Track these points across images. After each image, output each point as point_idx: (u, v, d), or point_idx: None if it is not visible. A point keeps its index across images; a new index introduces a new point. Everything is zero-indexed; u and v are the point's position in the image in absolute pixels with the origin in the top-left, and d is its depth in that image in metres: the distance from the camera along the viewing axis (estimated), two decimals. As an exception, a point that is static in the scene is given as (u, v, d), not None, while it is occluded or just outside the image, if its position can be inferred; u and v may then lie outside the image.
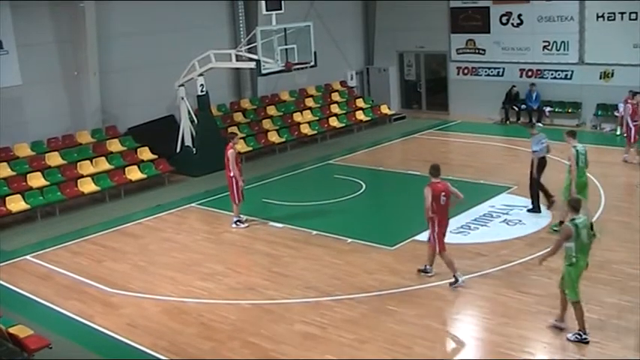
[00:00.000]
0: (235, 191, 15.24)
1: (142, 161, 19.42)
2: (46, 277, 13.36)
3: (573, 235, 9.57)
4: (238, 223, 15.45)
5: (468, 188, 15.13)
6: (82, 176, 18.13)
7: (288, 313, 11.20)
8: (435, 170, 11.64)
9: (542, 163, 14.86)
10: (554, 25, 23.51)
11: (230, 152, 15.16)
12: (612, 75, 22.56)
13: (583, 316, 9.75)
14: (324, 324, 10.70)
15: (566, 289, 9.80)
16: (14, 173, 17.45)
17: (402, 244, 13.79)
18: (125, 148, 19.69)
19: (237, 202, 15.34)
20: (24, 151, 18.32)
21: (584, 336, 9.68)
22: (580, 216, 9.68)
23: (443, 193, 11.46)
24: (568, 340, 9.73)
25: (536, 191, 14.98)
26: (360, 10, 27.85)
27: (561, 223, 12.86)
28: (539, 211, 14.93)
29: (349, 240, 13.96)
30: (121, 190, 18.44)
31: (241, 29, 22.96)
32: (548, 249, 10.28)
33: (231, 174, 15.14)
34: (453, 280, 11.66)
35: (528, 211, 15.06)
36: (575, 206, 9.75)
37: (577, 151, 13.39)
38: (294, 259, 13.47)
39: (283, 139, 22.57)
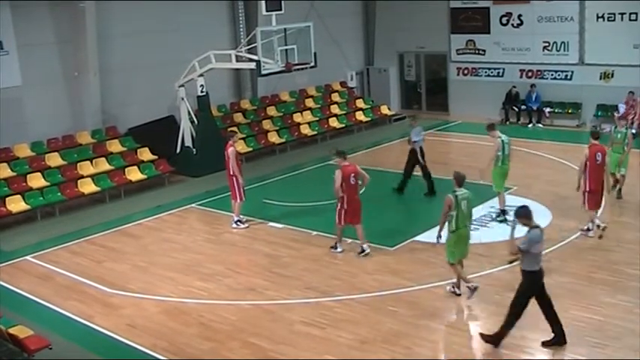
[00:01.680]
0: (237, 189, 15.24)
1: (142, 162, 19.42)
2: (46, 278, 13.36)
3: (453, 205, 10.88)
4: (239, 223, 15.45)
5: (468, 189, 15.10)
6: (82, 177, 18.14)
7: (288, 313, 11.20)
8: (342, 153, 13.24)
9: (421, 152, 16.79)
10: (554, 26, 23.52)
11: (230, 150, 15.18)
12: (612, 75, 22.56)
13: (459, 276, 11.23)
14: (324, 324, 10.71)
15: (445, 251, 11.18)
16: (14, 174, 17.45)
17: (401, 244, 13.80)
18: (125, 149, 19.69)
19: (239, 200, 15.33)
20: (24, 151, 18.33)
21: (456, 290, 11.34)
22: (461, 189, 11.07)
23: (352, 174, 12.94)
24: (446, 289, 11.35)
25: (429, 174, 16.80)
26: (360, 11, 27.87)
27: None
28: (435, 194, 16.36)
29: (349, 240, 13.95)
30: (121, 190, 18.44)
31: (241, 30, 22.98)
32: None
33: (231, 172, 15.15)
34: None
35: (425, 195, 16.65)
36: (458, 180, 11.13)
37: (502, 141, 14.35)
38: (294, 259, 13.47)
39: (283, 140, 22.57)
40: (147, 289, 12.47)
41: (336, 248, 13.61)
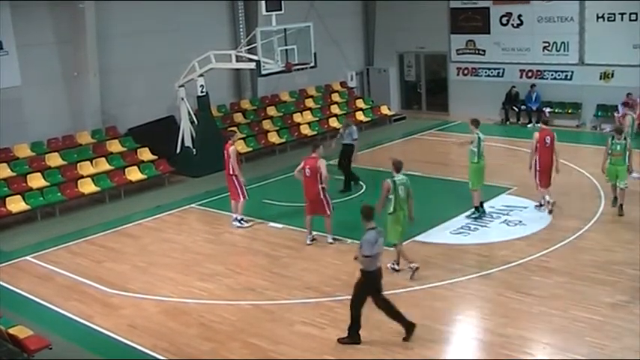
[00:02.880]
0: (239, 188, 15.25)
1: (142, 162, 19.42)
2: (45, 278, 13.35)
3: (391, 189, 11.77)
4: (242, 222, 15.46)
5: (468, 189, 15.17)
6: (82, 177, 18.13)
7: (288, 313, 11.20)
8: (314, 146, 14.06)
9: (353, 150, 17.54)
10: (554, 26, 23.52)
11: (231, 149, 15.19)
12: (612, 76, 22.56)
13: (399, 255, 12.20)
14: (324, 324, 10.70)
15: (387, 233, 11.65)
16: (14, 174, 17.45)
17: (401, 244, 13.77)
18: (125, 149, 19.69)
19: (242, 198, 15.33)
20: (24, 151, 18.32)
21: (396, 266, 12.26)
22: (399, 175, 11.98)
23: (308, 167, 13.67)
24: (387, 266, 11.86)
25: (351, 172, 17.56)
26: (360, 11, 27.86)
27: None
28: (351, 190, 17.22)
29: (349, 240, 13.95)
30: (121, 190, 18.44)
31: (241, 30, 22.97)
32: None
33: (231, 172, 15.15)
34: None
35: (340, 191, 17.00)
36: (396, 167, 12.03)
37: (479, 137, 14.65)
38: (294, 259, 13.47)
39: (283, 140, 22.57)
40: (147, 290, 12.46)
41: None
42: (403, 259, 12.26)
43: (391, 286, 11.89)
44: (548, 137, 14.87)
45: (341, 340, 10.07)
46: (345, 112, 25.10)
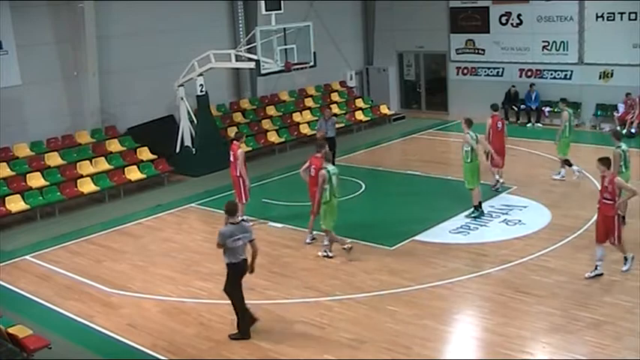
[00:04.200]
0: (242, 190, 15.25)
1: (142, 161, 19.41)
2: (45, 277, 13.35)
3: (327, 179, 12.76)
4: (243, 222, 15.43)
5: (467, 189, 15.16)
6: (82, 176, 18.12)
7: (288, 313, 11.20)
8: (318, 145, 13.91)
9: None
10: (553, 25, 23.52)
11: (239, 152, 15.12)
12: (612, 75, 22.56)
13: (332, 241, 13.19)
14: (324, 324, 10.70)
15: (321, 220, 13.01)
16: (14, 173, 17.44)
17: (401, 244, 13.79)
18: (125, 148, 19.68)
19: (244, 201, 15.34)
20: (23, 151, 18.32)
21: (329, 253, 13.18)
22: (331, 165, 13.25)
23: (313, 167, 13.69)
24: (319, 254, 13.20)
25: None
26: (359, 10, 27.85)
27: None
28: None
29: (349, 240, 13.96)
30: (121, 190, 18.44)
31: (241, 29, 22.96)
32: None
33: (238, 173, 15.14)
34: None
35: None
36: (328, 158, 13.41)
37: (471, 137, 14.89)
38: (294, 259, 13.47)
39: (283, 139, 22.57)
40: (146, 289, 12.46)
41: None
42: (337, 243, 13.18)
43: (391, 285, 11.94)
44: (500, 122, 16.51)
45: (232, 336, 10.41)
46: (344, 111, 25.11)
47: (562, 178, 17.16)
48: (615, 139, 13.82)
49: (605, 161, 11.58)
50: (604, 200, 11.50)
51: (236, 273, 10.29)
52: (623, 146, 13.61)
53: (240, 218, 15.38)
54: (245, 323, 10.40)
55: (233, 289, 10.35)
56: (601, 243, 11.63)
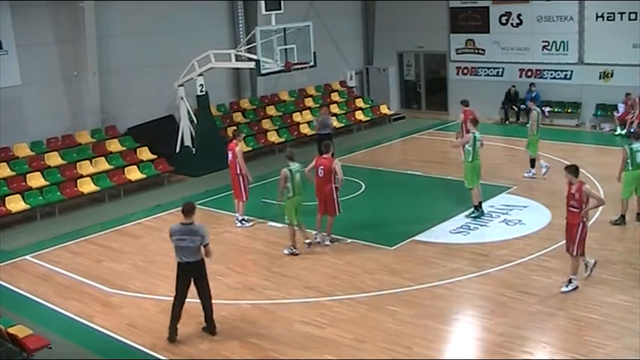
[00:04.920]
0: (243, 189, 15.24)
1: (142, 161, 19.41)
2: (45, 277, 13.35)
3: (289, 177, 13.19)
4: (244, 222, 15.45)
5: (467, 188, 15.16)
6: (82, 176, 18.13)
7: (288, 313, 11.19)
8: (326, 147, 14.06)
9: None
10: (553, 25, 23.53)
11: (237, 149, 15.15)
12: (612, 75, 22.57)
13: (294, 236, 13.49)
14: (324, 324, 10.70)
15: (285, 215, 13.44)
16: (14, 173, 17.44)
17: (401, 244, 13.79)
18: (125, 148, 19.68)
19: (244, 199, 15.33)
20: (23, 151, 18.32)
21: (294, 250, 13.46)
22: (294, 163, 13.41)
23: (321, 167, 13.77)
24: (284, 252, 13.51)
25: None
26: (359, 10, 27.86)
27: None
28: None
29: (349, 240, 13.96)
30: (121, 190, 18.44)
31: (241, 29, 22.97)
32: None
33: (238, 172, 15.14)
34: None
35: None
36: (290, 157, 13.55)
37: (475, 136, 14.71)
38: (294, 259, 13.46)
39: (283, 139, 22.57)
40: (146, 289, 12.46)
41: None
42: (301, 237, 13.60)
43: (392, 285, 11.94)
44: (472, 117, 16.29)
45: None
46: (344, 111, 25.11)
47: (533, 176, 17.49)
48: (634, 139, 14.24)
49: (572, 169, 11.42)
50: (570, 208, 11.43)
51: (177, 273, 10.35)
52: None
53: (239, 217, 15.61)
54: (173, 326, 10.41)
55: (176, 288, 10.37)
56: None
